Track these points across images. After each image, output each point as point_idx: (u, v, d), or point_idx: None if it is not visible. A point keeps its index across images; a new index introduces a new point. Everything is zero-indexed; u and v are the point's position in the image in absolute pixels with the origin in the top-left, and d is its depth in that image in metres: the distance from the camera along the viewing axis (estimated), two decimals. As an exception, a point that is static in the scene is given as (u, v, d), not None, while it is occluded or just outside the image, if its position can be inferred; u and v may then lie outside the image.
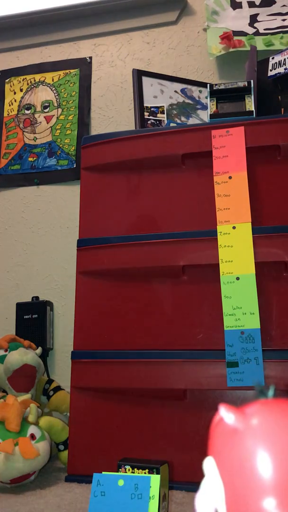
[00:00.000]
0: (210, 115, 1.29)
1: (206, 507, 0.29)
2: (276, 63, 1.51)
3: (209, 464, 0.30)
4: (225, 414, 0.30)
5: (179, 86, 1.68)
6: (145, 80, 1.63)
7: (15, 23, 1.93)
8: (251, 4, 1.71)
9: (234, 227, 1.11)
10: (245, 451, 0.28)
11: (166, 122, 1.59)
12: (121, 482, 0.69)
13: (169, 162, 1.24)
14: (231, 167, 1.15)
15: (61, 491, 1.06)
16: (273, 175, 1.18)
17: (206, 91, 1.67)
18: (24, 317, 1.66)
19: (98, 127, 1.83)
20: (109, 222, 1.26)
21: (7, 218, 1.86)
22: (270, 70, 1.52)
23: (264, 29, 1.67)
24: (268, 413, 0.29)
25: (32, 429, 1.11)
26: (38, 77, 1.92)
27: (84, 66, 1.89)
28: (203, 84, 1.70)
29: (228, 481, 0.28)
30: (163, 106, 1.62)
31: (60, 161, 1.81)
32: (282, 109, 1.48)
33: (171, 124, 1.58)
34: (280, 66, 1.50)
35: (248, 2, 1.71)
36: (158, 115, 1.60)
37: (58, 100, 1.88)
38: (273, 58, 1.53)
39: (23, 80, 1.94)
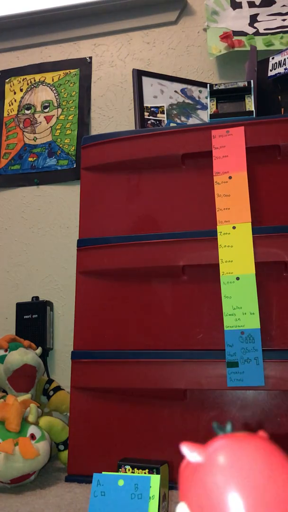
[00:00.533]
0: (210, 115, 1.29)
1: None
2: (276, 63, 1.51)
3: (181, 509, 0.30)
4: (189, 453, 0.30)
5: (179, 86, 1.68)
6: (145, 80, 1.63)
7: (15, 23, 1.93)
8: (251, 4, 1.71)
9: (234, 227, 1.11)
10: (212, 485, 0.28)
11: (166, 122, 1.59)
12: (121, 482, 0.69)
13: (169, 162, 1.24)
14: (231, 167, 1.15)
15: (61, 491, 1.06)
16: (273, 175, 1.18)
17: (206, 91, 1.67)
18: (24, 317, 1.66)
19: (98, 127, 1.83)
20: (109, 222, 1.26)
21: (7, 218, 1.86)
22: (270, 70, 1.52)
23: (264, 29, 1.67)
24: (229, 447, 0.30)
25: (32, 429, 1.11)
26: (38, 77, 1.92)
27: (84, 66, 1.89)
28: (203, 84, 1.70)
29: None
30: (163, 106, 1.62)
31: (60, 161, 1.81)
32: (282, 109, 1.48)
33: (171, 124, 1.58)
34: (280, 66, 1.50)
35: (248, 2, 1.71)
36: (158, 115, 1.60)
37: (58, 100, 1.88)
38: (273, 58, 1.53)
39: (23, 80, 1.94)
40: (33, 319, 1.66)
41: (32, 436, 1.10)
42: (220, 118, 1.26)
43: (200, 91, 1.69)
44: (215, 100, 1.31)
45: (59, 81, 1.89)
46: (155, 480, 0.69)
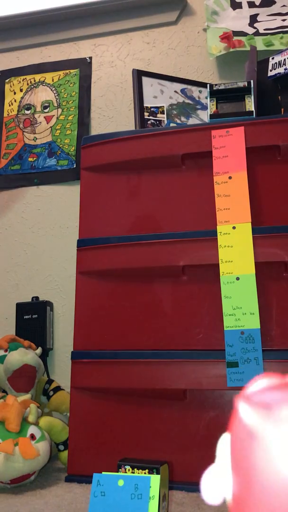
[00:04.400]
0: (210, 115, 1.29)
1: (214, 494, 0.26)
2: (276, 63, 1.51)
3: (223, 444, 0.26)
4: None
5: (179, 86, 1.68)
6: (145, 80, 1.63)
7: (15, 23, 1.93)
8: (251, 4, 1.71)
9: (234, 227, 1.11)
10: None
11: (166, 122, 1.59)
12: (121, 482, 0.69)
13: (169, 162, 1.24)
14: (231, 167, 1.15)
15: (61, 491, 1.06)
16: (273, 175, 1.18)
17: (206, 91, 1.67)
18: (24, 317, 1.66)
19: (98, 127, 1.83)
20: (109, 222, 1.26)
21: (7, 218, 1.86)
22: (270, 70, 1.52)
23: (264, 29, 1.67)
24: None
25: (32, 429, 1.11)
26: (38, 77, 1.92)
27: (84, 66, 1.89)
28: (203, 84, 1.70)
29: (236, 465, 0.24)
30: (163, 106, 1.62)
31: (60, 161, 1.81)
32: (282, 109, 1.48)
33: (171, 124, 1.58)
34: (280, 66, 1.50)
35: (248, 2, 1.71)
36: (158, 115, 1.60)
37: (58, 100, 1.88)
38: (273, 58, 1.53)
39: (23, 80, 1.94)
40: (33, 319, 1.66)
41: (32, 436, 1.10)
42: (220, 118, 1.26)
43: (200, 91, 1.69)
44: (215, 100, 1.31)
45: (59, 81, 1.89)
46: (155, 480, 0.69)
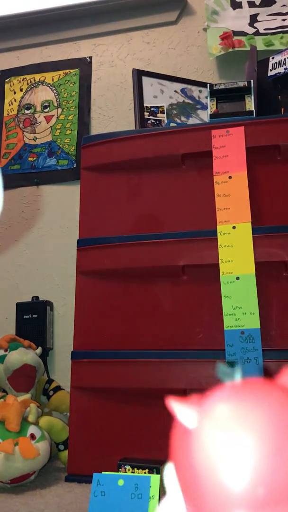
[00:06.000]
0: (210, 115, 1.29)
1: None
2: (276, 63, 1.51)
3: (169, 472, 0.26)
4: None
5: (179, 86, 1.68)
6: (145, 80, 1.63)
7: (15, 23, 1.93)
8: (251, 4, 1.71)
9: (234, 227, 1.11)
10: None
11: (166, 122, 1.59)
12: (121, 482, 0.69)
13: (169, 162, 1.24)
14: (231, 167, 1.15)
15: (61, 491, 1.06)
16: (273, 175, 1.18)
17: (206, 91, 1.67)
18: (24, 317, 1.66)
19: (98, 127, 1.83)
20: (109, 222, 1.26)
21: (7, 218, 1.86)
22: (270, 70, 1.52)
23: (264, 29, 1.67)
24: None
25: (32, 429, 1.11)
26: (38, 77, 1.92)
27: (84, 66, 1.89)
28: (203, 84, 1.70)
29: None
30: (163, 106, 1.62)
31: (60, 161, 1.81)
32: (282, 109, 1.48)
33: (171, 124, 1.58)
34: (280, 66, 1.50)
35: (248, 2, 1.71)
36: (158, 115, 1.60)
37: (58, 100, 1.88)
38: (273, 58, 1.53)
39: (23, 80, 1.94)
40: (33, 319, 1.66)
41: (32, 436, 1.10)
42: (220, 118, 1.26)
43: (200, 91, 1.69)
44: (215, 100, 1.31)
45: (59, 81, 1.89)
46: (155, 480, 0.69)
